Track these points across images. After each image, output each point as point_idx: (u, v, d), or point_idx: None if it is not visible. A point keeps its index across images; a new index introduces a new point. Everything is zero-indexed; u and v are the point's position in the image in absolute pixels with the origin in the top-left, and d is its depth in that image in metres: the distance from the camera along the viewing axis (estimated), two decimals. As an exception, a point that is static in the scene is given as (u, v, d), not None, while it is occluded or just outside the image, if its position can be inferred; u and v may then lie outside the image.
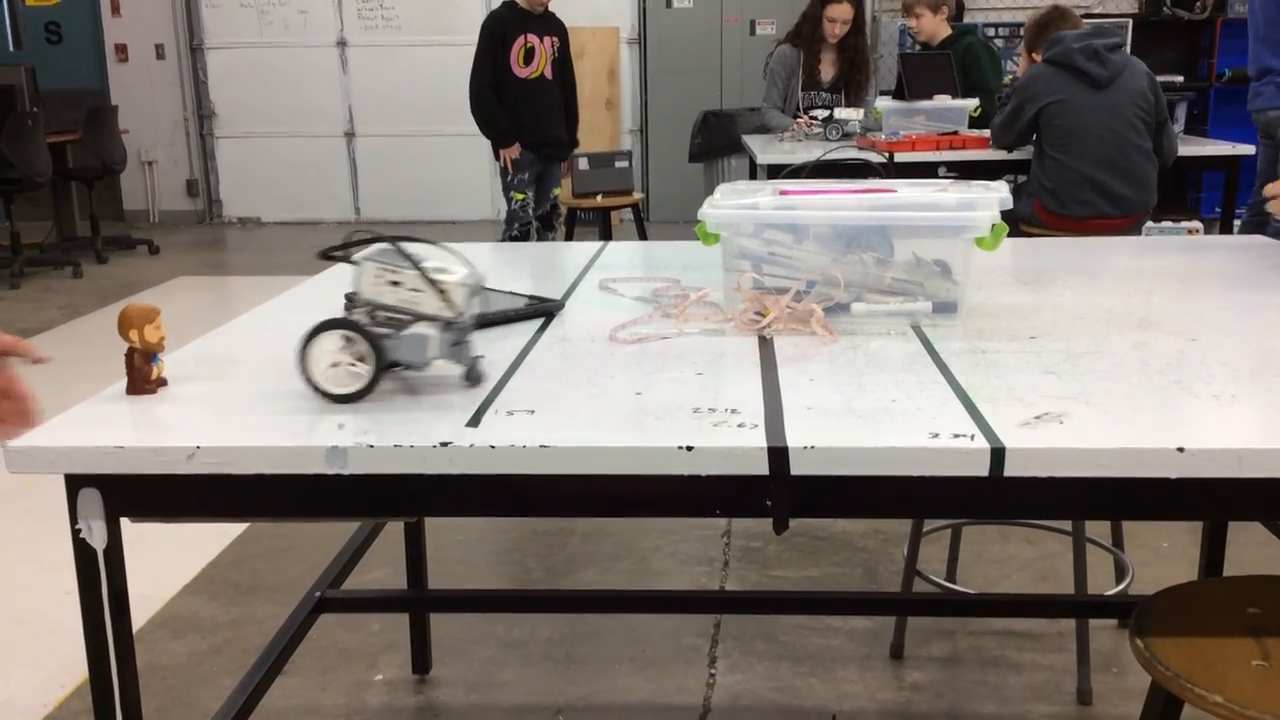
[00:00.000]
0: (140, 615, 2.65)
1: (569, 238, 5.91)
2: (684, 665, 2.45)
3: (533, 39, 5.11)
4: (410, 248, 1.22)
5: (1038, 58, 4.04)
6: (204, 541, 3.06)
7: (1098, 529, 2.76)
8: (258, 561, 2.99)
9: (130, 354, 1.22)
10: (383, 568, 2.88)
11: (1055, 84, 3.84)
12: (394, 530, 2.72)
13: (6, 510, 3.30)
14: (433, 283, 1.20)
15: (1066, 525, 2.68)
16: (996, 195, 1.56)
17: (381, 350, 1.19)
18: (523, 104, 5.16)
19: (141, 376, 1.22)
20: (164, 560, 2.95)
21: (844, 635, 2.54)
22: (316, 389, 1.20)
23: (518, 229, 5.27)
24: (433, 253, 1.28)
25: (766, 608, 2.46)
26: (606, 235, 5.97)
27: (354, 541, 2.23)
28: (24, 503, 3.34)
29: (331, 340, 1.19)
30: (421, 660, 2.42)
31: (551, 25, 5.24)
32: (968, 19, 7.69)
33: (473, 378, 1.26)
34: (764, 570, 2.88)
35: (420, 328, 1.21)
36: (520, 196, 5.21)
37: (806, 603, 2.39)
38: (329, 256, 1.26)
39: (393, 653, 2.52)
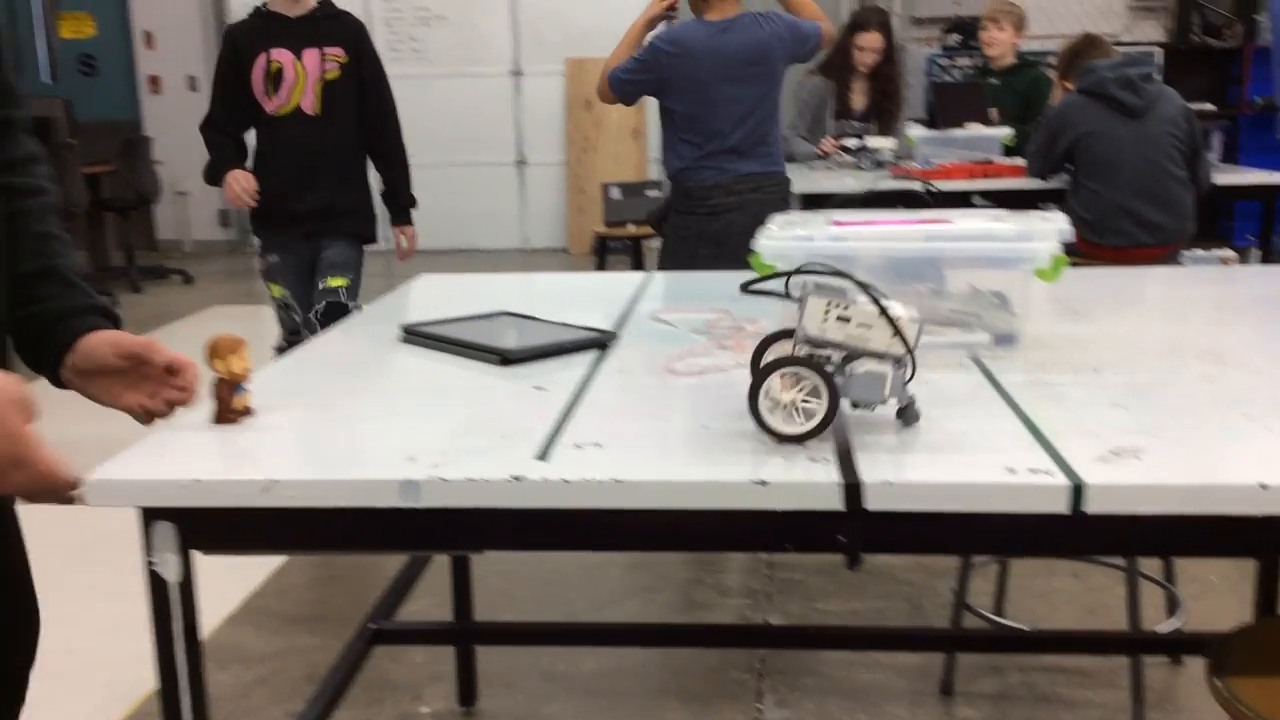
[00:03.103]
0: (183, 645, 2.65)
1: (600, 268, 5.92)
2: (730, 700, 2.44)
3: (281, 56, 3.33)
4: (863, 283, 1.18)
5: (1070, 86, 4.03)
6: (247, 571, 3.06)
7: (1148, 562, 2.73)
8: (301, 591, 2.99)
9: (217, 384, 1.23)
10: (424, 599, 2.87)
11: (1089, 114, 3.84)
12: (438, 560, 2.72)
13: (50, 538, 3.30)
14: (891, 320, 1.15)
15: (1115, 558, 2.66)
16: (1055, 226, 1.56)
17: (835, 389, 1.15)
18: (266, 155, 3.45)
19: (226, 406, 1.23)
20: (208, 590, 2.94)
21: (892, 671, 2.52)
22: (768, 429, 1.16)
23: (284, 338, 3.55)
24: (870, 289, 1.21)
25: (816, 643, 2.44)
26: (638, 264, 5.98)
27: (406, 573, 2.23)
28: (67, 530, 3.36)
29: (784, 379, 1.15)
30: (468, 692, 2.41)
31: (323, 33, 3.38)
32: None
33: (908, 417, 1.21)
34: (808, 603, 2.86)
35: (871, 365, 1.17)
36: (275, 290, 3.52)
37: (858, 638, 2.37)
38: (752, 290, 1.23)
39: (437, 684, 2.51)
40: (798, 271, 1.23)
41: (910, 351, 1.17)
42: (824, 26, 3.39)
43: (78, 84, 8.92)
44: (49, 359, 1.20)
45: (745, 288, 1.23)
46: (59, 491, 1.07)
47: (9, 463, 1.02)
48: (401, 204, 3.61)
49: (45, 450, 1.04)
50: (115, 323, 1.26)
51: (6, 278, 1.22)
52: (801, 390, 1.15)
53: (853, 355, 1.18)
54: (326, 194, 3.43)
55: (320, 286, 3.43)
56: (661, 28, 3.40)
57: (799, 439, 1.16)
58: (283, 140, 3.40)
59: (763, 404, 1.16)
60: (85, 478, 1.09)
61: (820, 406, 1.15)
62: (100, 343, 1.21)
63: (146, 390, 1.23)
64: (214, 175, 3.47)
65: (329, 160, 3.42)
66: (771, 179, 3.37)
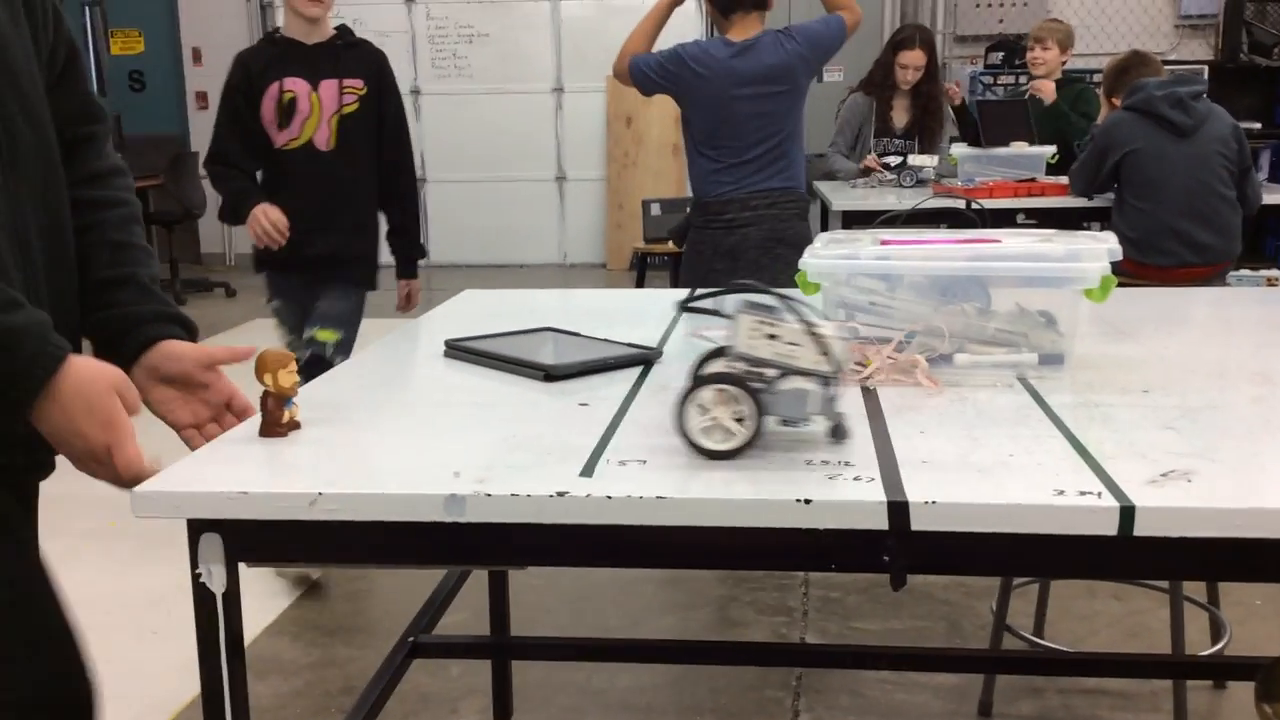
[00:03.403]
0: (223, 655, 2.67)
1: (640, 283, 5.92)
2: (765, 719, 2.42)
3: (295, 86, 3.07)
4: (790, 301, 1.19)
5: (1117, 103, 3.99)
6: (286, 583, 3.08)
7: (1191, 585, 2.69)
8: (338, 603, 3.01)
9: (264, 397, 1.24)
10: (460, 612, 2.87)
11: (1137, 132, 3.80)
12: (475, 574, 2.72)
13: (90, 550, 3.35)
14: (816, 336, 1.16)
15: (1157, 581, 2.62)
16: (1105, 246, 1.55)
17: (762, 406, 1.16)
18: (273, 192, 3.10)
19: (274, 420, 1.24)
20: (246, 601, 2.97)
21: (929, 691, 2.49)
22: (693, 445, 1.17)
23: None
24: (796, 307, 1.22)
25: (853, 662, 2.42)
26: (677, 280, 5.98)
27: (444, 586, 2.24)
28: (108, 542, 3.40)
29: (710, 395, 1.16)
30: (504, 706, 2.41)
31: (342, 63, 3.11)
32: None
33: (838, 434, 1.21)
34: (845, 622, 2.84)
35: (797, 382, 1.18)
36: (282, 334, 3.28)
37: (895, 658, 2.34)
38: (690, 308, 1.25)
39: (473, 698, 2.51)
40: (730, 290, 1.23)
41: (837, 369, 1.18)
42: (848, 16, 3.34)
43: (127, 99, 9.06)
44: (120, 362, 1.24)
45: (683, 306, 1.25)
46: (131, 485, 1.13)
47: (101, 449, 1.11)
48: (411, 255, 3.31)
49: (133, 446, 1.11)
50: (192, 332, 1.31)
51: (81, 285, 1.27)
52: (728, 406, 1.16)
53: (784, 372, 1.18)
54: (337, 238, 3.12)
55: (307, 335, 3.13)
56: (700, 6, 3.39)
57: (724, 455, 1.16)
58: (292, 177, 3.09)
59: (691, 418, 1.16)
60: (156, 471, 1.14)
61: (746, 423, 1.16)
62: (189, 351, 1.27)
63: (202, 414, 1.28)
64: (237, 211, 3.09)
65: (341, 201, 3.12)
66: (788, 195, 3.35)
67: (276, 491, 1.10)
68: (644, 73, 3.34)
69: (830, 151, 5.25)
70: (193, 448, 1.26)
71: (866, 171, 4.97)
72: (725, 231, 3.32)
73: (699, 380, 1.17)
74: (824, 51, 3.34)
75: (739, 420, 1.16)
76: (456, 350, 1.68)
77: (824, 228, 4.95)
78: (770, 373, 1.19)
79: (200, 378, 1.27)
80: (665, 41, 3.40)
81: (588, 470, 1.15)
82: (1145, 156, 3.77)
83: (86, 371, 1.12)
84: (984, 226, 2.44)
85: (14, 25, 1.19)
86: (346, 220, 3.14)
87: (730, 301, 1.23)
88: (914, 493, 1.07)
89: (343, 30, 3.20)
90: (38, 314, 1.11)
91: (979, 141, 4.73)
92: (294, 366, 1.25)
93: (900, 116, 5.19)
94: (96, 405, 1.11)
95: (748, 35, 3.25)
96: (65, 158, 1.27)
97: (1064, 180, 4.30)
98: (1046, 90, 4.89)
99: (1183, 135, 3.73)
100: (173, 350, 1.27)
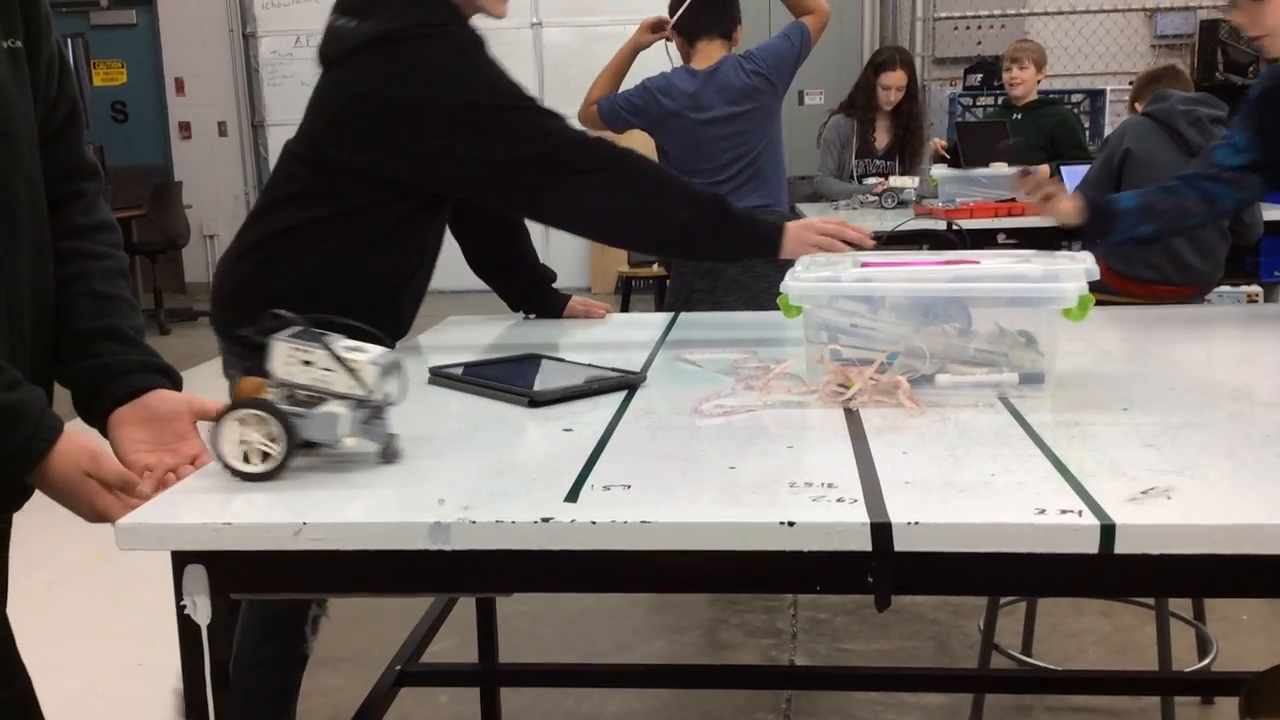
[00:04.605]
0: (210, 687, 2.65)
1: (624, 307, 5.93)
2: (757, 741, 2.42)
3: None
4: (321, 329, 1.24)
5: (1140, 108, 4.00)
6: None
7: (1178, 601, 2.70)
8: (324, 631, 2.98)
9: None
10: (449, 639, 2.86)
11: (1150, 140, 3.76)
12: (463, 601, 2.71)
13: (75, 581, 3.33)
14: (341, 361, 1.21)
15: (1144, 598, 2.63)
16: (1083, 266, 1.56)
17: (292, 429, 1.19)
18: (424, 246, 1.99)
19: None
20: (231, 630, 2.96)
21: (919, 711, 2.49)
22: (228, 467, 1.20)
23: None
24: (350, 333, 1.27)
25: (842, 683, 2.42)
26: (662, 304, 5.99)
27: (430, 614, 2.23)
28: (92, 573, 3.38)
29: (242, 419, 1.19)
30: (493, 734, 2.40)
31: None
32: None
33: (388, 456, 1.26)
34: (833, 643, 2.84)
35: (331, 406, 1.21)
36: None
37: (884, 679, 2.35)
38: (240, 335, 1.28)
39: (462, 726, 2.50)
40: (288, 322, 1.25)
41: (370, 394, 1.21)
42: (812, 20, 3.37)
43: (109, 130, 9.06)
44: (99, 413, 1.26)
45: (238, 336, 1.29)
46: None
47: (98, 520, 1.20)
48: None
49: (124, 509, 1.17)
50: (176, 383, 1.31)
51: (64, 336, 1.27)
52: (261, 430, 1.20)
53: (318, 397, 1.22)
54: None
55: None
56: (669, 49, 3.43)
57: (257, 476, 1.19)
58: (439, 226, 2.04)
59: (224, 442, 1.19)
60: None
61: (278, 445, 1.19)
62: (183, 398, 1.29)
63: (166, 462, 1.27)
64: (763, 234, 2.05)
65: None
66: (767, 212, 3.37)
67: (260, 522, 1.09)
68: (615, 111, 3.39)
69: (820, 175, 5.28)
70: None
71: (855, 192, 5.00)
72: None
73: (231, 405, 1.20)
74: (789, 64, 3.39)
75: (271, 443, 1.19)
76: (441, 377, 1.68)
77: (807, 250, 4.96)
78: (320, 398, 1.22)
79: (185, 426, 1.28)
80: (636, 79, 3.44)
81: (572, 495, 1.15)
82: (1149, 164, 3.74)
83: (58, 463, 1.17)
84: (964, 247, 2.45)
85: (18, 85, 1.19)
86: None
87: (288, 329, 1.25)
88: (897, 514, 1.07)
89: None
90: (35, 391, 1.17)
91: (959, 162, 4.77)
92: None
93: (882, 137, 5.23)
94: (79, 492, 1.18)
95: (710, 62, 3.31)
96: (53, 211, 1.27)
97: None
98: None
99: (1192, 154, 3.71)
100: (167, 395, 1.29)
